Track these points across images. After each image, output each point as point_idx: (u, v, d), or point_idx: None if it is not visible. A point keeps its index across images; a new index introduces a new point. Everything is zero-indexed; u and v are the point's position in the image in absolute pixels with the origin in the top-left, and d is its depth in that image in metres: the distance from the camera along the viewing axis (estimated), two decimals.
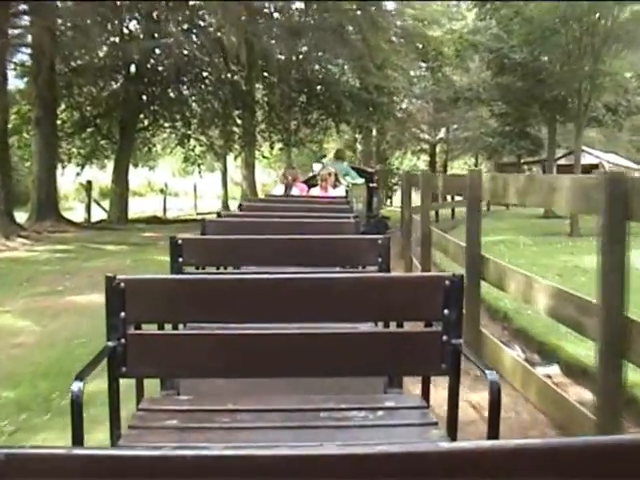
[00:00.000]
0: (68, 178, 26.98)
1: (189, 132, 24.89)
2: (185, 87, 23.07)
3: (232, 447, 1.33)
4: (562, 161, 37.60)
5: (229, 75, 23.01)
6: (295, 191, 10.61)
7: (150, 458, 1.12)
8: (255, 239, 4.00)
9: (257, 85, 24.62)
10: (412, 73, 29.17)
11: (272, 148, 25.09)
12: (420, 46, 25.04)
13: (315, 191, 10.63)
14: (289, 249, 3.87)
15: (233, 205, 33.49)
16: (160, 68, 22.42)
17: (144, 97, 22.54)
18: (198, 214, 30.71)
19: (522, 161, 37.88)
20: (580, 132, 23.89)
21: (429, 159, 48.72)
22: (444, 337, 2.45)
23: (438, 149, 48.21)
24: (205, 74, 22.99)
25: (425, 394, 2.77)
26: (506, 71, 22.69)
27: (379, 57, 20.41)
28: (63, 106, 22.72)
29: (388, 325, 3.00)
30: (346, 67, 22.37)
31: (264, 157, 28.72)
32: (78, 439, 2.15)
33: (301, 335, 2.58)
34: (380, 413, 2.66)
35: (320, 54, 21.29)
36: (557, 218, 20.58)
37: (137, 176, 45.03)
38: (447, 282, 2.44)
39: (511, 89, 23.57)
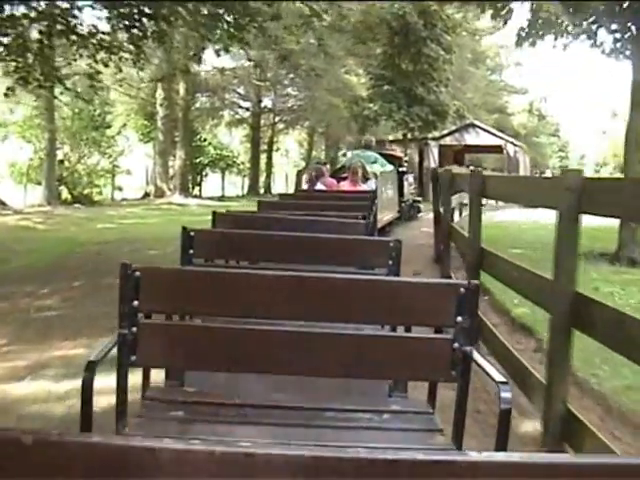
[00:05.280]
0: None
1: None
2: None
3: (237, 443, 1.14)
4: (447, 140, 28.27)
5: None
6: (320, 187, 9.94)
7: (156, 449, 1.12)
8: (266, 234, 4.04)
9: None
10: None
11: (11, 91, 11.43)
12: None
13: (345, 185, 10.30)
14: (298, 246, 3.85)
15: None
16: None
17: None
18: None
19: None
20: None
21: (251, 133, 37.15)
22: (455, 344, 2.43)
23: (263, 121, 36.77)
24: None
25: (431, 399, 2.76)
26: None
27: None
28: None
29: (395, 329, 3.00)
30: None
31: None
32: (86, 426, 2.14)
33: (309, 334, 2.58)
34: (385, 416, 2.70)
35: None
36: None
37: None
38: (462, 289, 2.43)
39: None
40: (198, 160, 36.24)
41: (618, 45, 10.75)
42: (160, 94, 29.02)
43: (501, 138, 28.57)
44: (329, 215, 5.22)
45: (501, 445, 2.10)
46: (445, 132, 27.78)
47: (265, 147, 37.90)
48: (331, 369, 2.51)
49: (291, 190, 40.59)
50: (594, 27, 11.03)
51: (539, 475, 1.12)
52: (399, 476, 1.10)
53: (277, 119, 37.22)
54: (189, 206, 25.21)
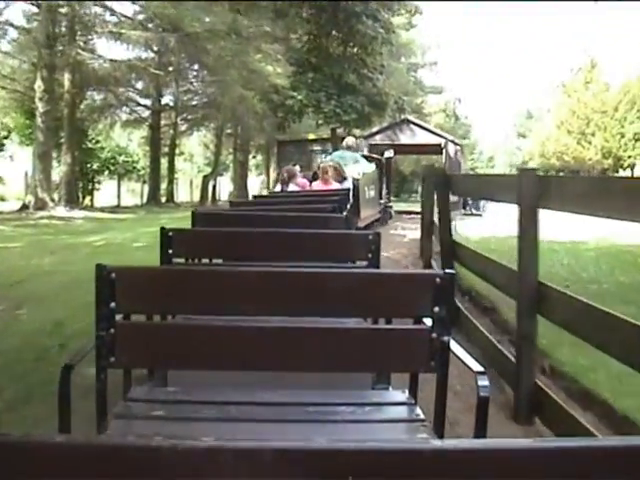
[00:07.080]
0: None
1: None
2: None
3: (220, 439, 1.14)
4: (378, 138, 24.79)
5: None
6: (293, 187, 9.81)
7: (136, 448, 1.13)
8: (245, 232, 4.01)
9: None
10: None
11: None
12: None
13: (316, 185, 10.40)
14: (279, 243, 3.86)
15: None
16: None
17: None
18: None
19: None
20: None
21: (150, 133, 32.84)
22: (433, 334, 2.44)
23: (164, 120, 32.51)
24: None
25: (413, 390, 2.78)
26: None
27: None
28: None
29: (377, 321, 3.02)
30: None
31: None
32: (65, 428, 2.16)
33: (289, 329, 2.56)
34: (368, 409, 2.70)
35: None
36: None
37: None
38: (438, 279, 2.44)
39: None
40: (89, 165, 31.66)
41: None
42: (40, 86, 24.41)
43: (441, 136, 25.47)
44: (299, 208, 5.25)
45: (480, 431, 2.11)
46: (375, 130, 24.42)
47: (167, 150, 33.66)
48: (314, 364, 2.52)
49: (196, 198, 36.83)
50: None
51: (503, 460, 1.13)
52: (363, 467, 1.11)
53: (179, 118, 33.06)
54: (74, 220, 20.88)
